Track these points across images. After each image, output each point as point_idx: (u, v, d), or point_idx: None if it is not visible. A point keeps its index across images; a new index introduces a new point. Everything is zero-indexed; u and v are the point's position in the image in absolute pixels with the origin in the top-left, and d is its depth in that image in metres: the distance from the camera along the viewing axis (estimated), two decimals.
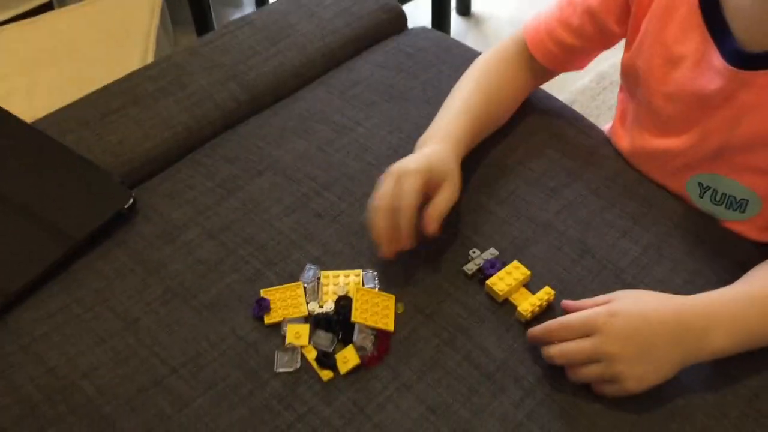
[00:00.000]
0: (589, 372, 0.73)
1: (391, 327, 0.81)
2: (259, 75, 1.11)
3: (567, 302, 0.80)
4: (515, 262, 0.85)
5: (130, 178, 1.01)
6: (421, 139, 0.91)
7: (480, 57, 1.02)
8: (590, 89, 1.92)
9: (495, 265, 0.85)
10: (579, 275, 0.84)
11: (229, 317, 0.84)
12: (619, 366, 0.72)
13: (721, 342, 0.74)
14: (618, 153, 0.98)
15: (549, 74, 1.02)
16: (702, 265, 0.85)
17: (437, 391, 0.76)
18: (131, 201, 0.94)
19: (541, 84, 1.04)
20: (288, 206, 0.94)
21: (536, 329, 0.77)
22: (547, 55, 0.96)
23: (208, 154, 1.03)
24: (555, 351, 0.75)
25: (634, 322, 0.74)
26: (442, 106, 0.96)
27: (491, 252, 0.86)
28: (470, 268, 0.85)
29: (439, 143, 0.88)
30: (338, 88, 1.10)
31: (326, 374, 0.78)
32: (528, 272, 0.84)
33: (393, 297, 0.83)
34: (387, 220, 0.81)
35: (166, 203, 0.97)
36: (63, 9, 1.73)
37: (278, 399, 0.77)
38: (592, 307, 0.76)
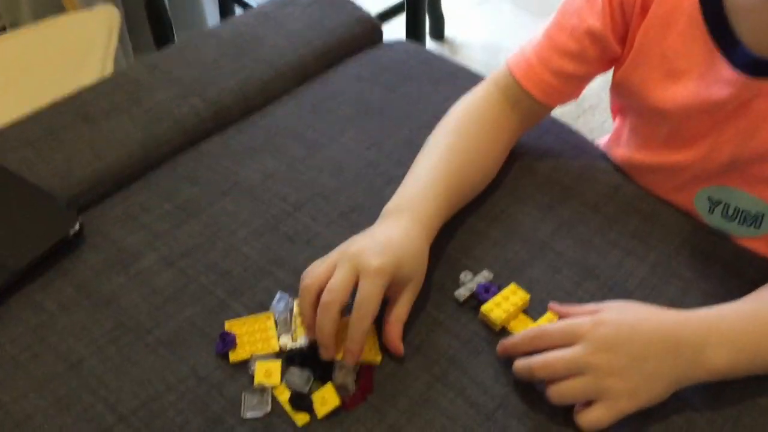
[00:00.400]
0: (573, 387, 0.65)
1: (378, 359, 0.72)
2: (224, 89, 1.02)
3: (554, 304, 0.74)
4: (512, 285, 0.76)
5: (77, 202, 0.90)
6: (387, 208, 0.78)
7: (455, 107, 0.89)
8: (570, 112, 1.87)
9: (490, 290, 0.76)
10: (582, 299, 0.76)
11: (188, 355, 0.73)
12: (606, 380, 0.64)
13: (719, 360, 0.66)
14: (615, 167, 0.91)
15: (539, 113, 0.90)
16: (715, 285, 0.77)
17: None
18: (77, 226, 0.84)
19: (529, 127, 0.91)
20: (256, 229, 0.85)
21: (511, 339, 0.69)
22: (544, 89, 0.85)
23: (166, 175, 0.93)
24: (535, 360, 0.66)
25: (623, 330, 0.66)
26: (412, 167, 0.83)
27: (484, 275, 0.78)
28: (462, 294, 0.76)
29: (408, 222, 0.75)
30: (310, 102, 1.01)
31: (301, 418, 0.67)
32: (527, 296, 0.75)
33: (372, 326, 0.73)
34: (333, 322, 0.68)
35: (117, 228, 0.87)
36: (16, 31, 1.63)
37: None
38: (580, 313, 0.69)
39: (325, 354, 0.69)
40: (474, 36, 2.29)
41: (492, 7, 2.42)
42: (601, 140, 0.98)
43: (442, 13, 2.23)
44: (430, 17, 2.17)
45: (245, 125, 0.99)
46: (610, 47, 0.81)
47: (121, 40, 1.58)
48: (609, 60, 0.83)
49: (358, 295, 0.69)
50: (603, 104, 1.88)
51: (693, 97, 0.76)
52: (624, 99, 0.85)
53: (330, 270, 0.70)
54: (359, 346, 0.68)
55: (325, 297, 0.69)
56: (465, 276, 0.78)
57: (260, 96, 1.03)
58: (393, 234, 0.73)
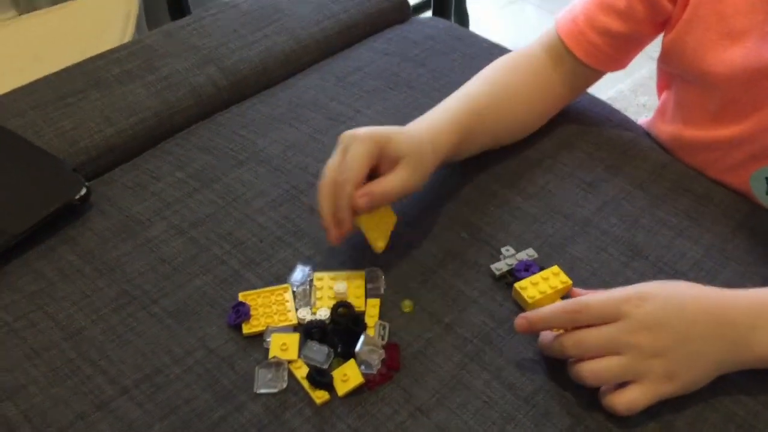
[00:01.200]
0: (609, 367, 0.58)
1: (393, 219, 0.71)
2: (243, 60, 0.96)
3: (579, 291, 0.67)
4: (555, 267, 0.69)
5: (86, 169, 0.85)
6: (409, 124, 0.76)
7: (495, 60, 0.85)
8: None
9: (530, 268, 0.69)
10: (630, 279, 0.69)
11: (198, 326, 0.67)
12: (647, 361, 0.57)
13: None
14: (661, 146, 0.84)
15: (584, 77, 0.84)
16: None
17: (462, 419, 0.59)
18: (84, 191, 0.78)
19: (574, 93, 0.86)
20: (274, 199, 0.79)
21: (539, 311, 0.62)
22: (589, 49, 0.79)
23: (179, 144, 0.88)
24: (570, 337, 0.60)
25: (669, 308, 0.59)
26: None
27: (528, 253, 0.71)
28: (499, 267, 0.69)
29: (419, 129, 0.73)
30: (335, 75, 0.96)
31: (320, 396, 0.61)
32: (569, 281, 0.68)
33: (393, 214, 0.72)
34: (330, 199, 0.67)
35: (126, 196, 0.81)
36: (31, 14, 1.59)
37: (258, 427, 0.59)
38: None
39: (328, 236, 0.68)
40: (497, 37, 2.24)
41: (516, 8, 2.38)
42: (642, 120, 0.91)
43: (466, 10, 2.18)
44: (455, 15, 2.12)
45: (265, 96, 0.94)
46: (660, 5, 0.74)
47: (137, 22, 1.54)
48: (659, 21, 0.77)
49: (344, 162, 0.67)
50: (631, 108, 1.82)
51: (753, 60, 0.69)
52: (674, 67, 0.79)
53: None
54: (343, 212, 0.67)
55: (322, 180, 0.68)
56: (507, 251, 0.71)
57: (281, 68, 0.97)
58: (396, 126, 0.72)
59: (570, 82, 0.83)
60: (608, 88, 1.88)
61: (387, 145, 0.68)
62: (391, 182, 0.68)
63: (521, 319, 0.62)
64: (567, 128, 0.86)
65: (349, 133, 0.69)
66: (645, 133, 0.87)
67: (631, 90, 1.87)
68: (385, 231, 0.70)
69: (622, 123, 0.87)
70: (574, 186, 0.78)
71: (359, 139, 0.67)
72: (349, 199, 0.66)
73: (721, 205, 0.76)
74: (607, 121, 0.87)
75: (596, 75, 0.84)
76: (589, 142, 0.84)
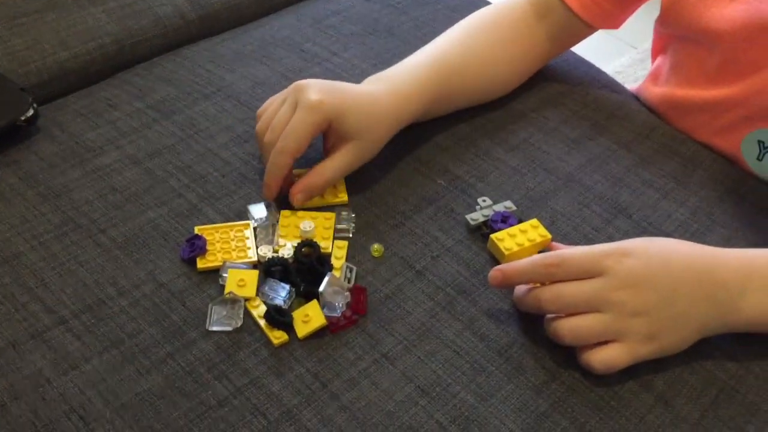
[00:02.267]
0: (589, 325, 0.54)
1: (344, 198, 0.67)
2: None
3: (558, 245, 0.64)
4: (534, 220, 0.65)
5: (36, 93, 0.78)
6: (371, 77, 0.71)
7: (476, 12, 0.80)
8: None
9: (507, 220, 0.65)
10: (613, 237, 0.65)
11: (147, 258, 0.62)
12: (629, 320, 0.54)
13: (760, 307, 0.56)
14: (650, 109, 0.81)
15: (572, 31, 0.78)
16: (765, 237, 0.67)
17: (430, 367, 0.55)
18: (31, 112, 0.72)
19: (560, 48, 0.81)
20: (240, 135, 0.73)
21: (515, 264, 0.57)
22: (586, 2, 0.74)
23: (140, 74, 0.82)
24: (547, 292, 0.56)
25: (653, 264, 0.55)
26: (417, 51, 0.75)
27: (506, 205, 0.67)
28: (475, 217, 0.65)
29: (380, 87, 0.68)
30: (311, 17, 0.90)
31: (278, 336, 0.56)
32: (548, 235, 0.64)
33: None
34: (267, 151, 0.65)
35: (78, 122, 0.75)
36: None
37: (208, 366, 0.54)
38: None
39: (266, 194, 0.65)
40: None
41: None
42: (631, 87, 0.88)
43: None
44: None
45: (236, 33, 0.88)
46: None
47: None
48: None
49: (287, 126, 0.63)
50: None
51: (754, 15, 0.66)
52: (673, 26, 0.75)
53: (279, 107, 0.66)
54: (275, 181, 0.64)
55: (267, 137, 0.65)
56: (483, 201, 0.67)
57: (255, 5, 0.92)
58: (355, 88, 0.67)
59: (555, 37, 0.78)
60: None
61: (338, 120, 0.64)
62: (333, 169, 0.65)
63: (496, 272, 0.58)
64: (553, 86, 0.82)
65: (302, 89, 0.64)
66: (633, 96, 0.83)
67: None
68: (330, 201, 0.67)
69: (609, 84, 0.84)
70: (558, 141, 0.75)
71: (309, 107, 0.62)
72: (284, 169, 0.63)
73: (709, 169, 0.73)
74: (594, 82, 0.83)
75: (586, 32, 0.79)
76: (576, 100, 0.80)
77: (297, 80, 0.76)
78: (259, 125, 0.67)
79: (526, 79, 0.80)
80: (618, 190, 0.70)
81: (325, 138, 0.68)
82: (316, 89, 0.63)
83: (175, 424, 0.51)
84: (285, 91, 0.66)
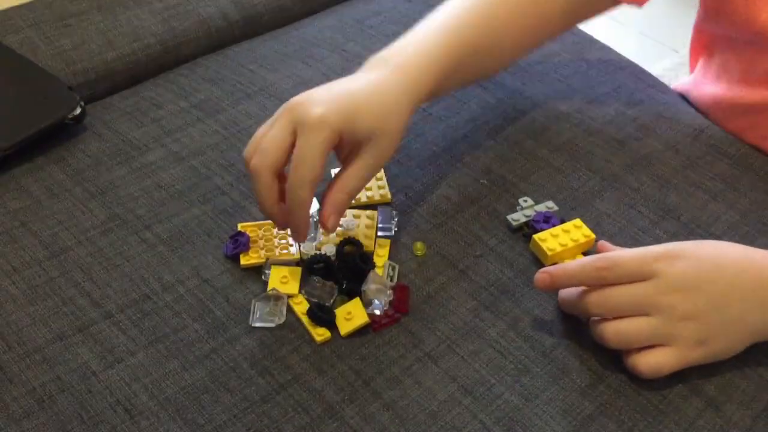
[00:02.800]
0: (637, 328, 0.52)
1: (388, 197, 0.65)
2: None
3: (606, 245, 0.61)
4: (577, 220, 0.64)
5: (83, 92, 0.79)
6: (373, 57, 0.63)
7: None
8: None
9: (550, 220, 0.64)
10: (660, 239, 0.64)
11: (191, 255, 0.62)
12: (678, 324, 0.52)
13: None
14: (698, 110, 0.79)
15: (593, 8, 0.73)
16: None
17: (473, 367, 0.55)
18: (79, 111, 0.73)
19: (568, 28, 0.76)
20: None
21: (562, 266, 0.56)
22: None
23: (184, 74, 0.82)
24: (592, 296, 0.54)
25: (704, 267, 0.54)
26: (419, 23, 0.66)
27: (548, 205, 0.66)
28: (516, 218, 0.64)
29: (386, 71, 0.60)
30: (353, 17, 0.90)
31: (321, 333, 0.56)
32: (592, 235, 0.63)
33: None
34: (271, 187, 0.56)
35: (124, 121, 0.76)
36: None
37: (251, 362, 0.55)
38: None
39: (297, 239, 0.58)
40: None
41: None
42: (676, 86, 0.86)
43: None
44: None
45: (278, 34, 0.89)
46: None
47: None
48: None
49: (295, 152, 0.55)
50: None
51: None
52: (722, 26, 0.73)
53: (268, 130, 0.57)
54: (303, 221, 0.56)
55: (255, 160, 0.55)
56: (524, 201, 0.66)
57: (298, 6, 0.92)
58: (355, 83, 0.59)
59: (573, 10, 0.72)
60: None
61: (349, 128, 0.55)
62: (356, 179, 0.57)
63: (542, 274, 0.56)
64: (597, 86, 0.81)
65: (297, 107, 0.55)
66: (680, 97, 0.82)
67: None
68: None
69: (656, 85, 0.82)
70: (603, 142, 0.73)
71: (313, 126, 0.54)
72: (307, 204, 0.55)
73: (759, 172, 0.71)
74: (639, 82, 0.82)
75: (607, 5, 0.73)
76: (621, 101, 0.79)
77: (337, 79, 0.76)
78: (247, 150, 0.57)
79: (538, 43, 0.74)
80: (665, 191, 0.68)
81: (338, 149, 0.60)
82: (314, 103, 0.55)
83: (219, 419, 0.51)
84: (274, 116, 0.57)
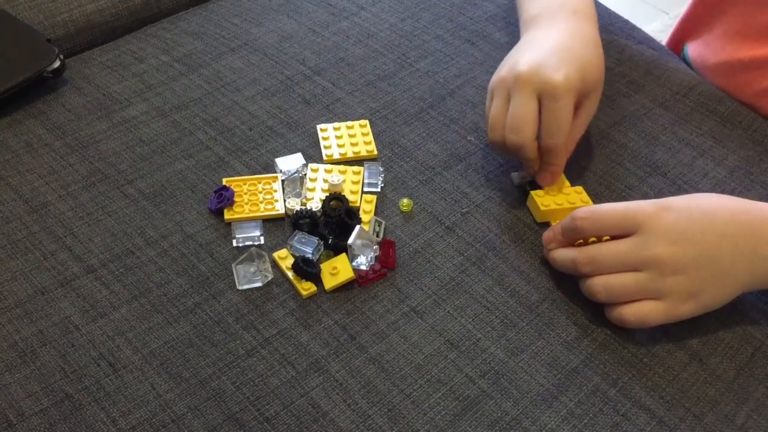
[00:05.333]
0: (625, 283, 0.52)
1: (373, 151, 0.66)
2: None
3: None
4: (579, 187, 0.63)
5: (63, 45, 0.78)
6: (531, 14, 0.66)
7: None
8: None
9: None
10: (646, 194, 0.64)
11: (175, 210, 0.61)
12: (669, 279, 0.52)
13: None
14: (689, 67, 0.79)
15: None
16: None
17: (460, 322, 0.55)
18: (58, 63, 0.71)
19: None
20: (267, 88, 0.72)
21: (555, 225, 0.57)
22: None
23: (166, 28, 0.81)
24: (581, 252, 0.54)
25: (695, 218, 0.53)
26: None
27: None
28: (522, 176, 0.64)
29: (575, 21, 0.63)
30: None
31: (306, 287, 0.55)
32: (590, 202, 0.62)
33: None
34: (536, 154, 0.60)
35: (105, 74, 0.74)
36: None
37: (237, 316, 0.54)
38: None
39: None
40: None
41: None
42: (668, 41, 0.85)
43: None
44: None
45: None
46: None
47: None
48: None
49: (547, 121, 0.58)
50: None
51: None
52: None
53: (505, 104, 0.59)
54: (558, 174, 0.62)
55: (512, 140, 0.59)
56: None
57: None
58: (564, 38, 0.62)
59: None
60: None
61: (584, 85, 0.59)
62: (583, 128, 0.62)
63: (546, 235, 0.58)
64: None
65: (538, 77, 0.57)
66: (671, 53, 0.81)
67: None
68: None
69: (646, 41, 0.81)
70: None
71: (562, 92, 0.57)
72: (563, 160, 0.61)
73: (748, 129, 0.71)
74: (630, 38, 0.81)
75: None
76: (610, 57, 0.78)
77: (324, 34, 0.75)
78: (493, 134, 0.60)
79: None
80: (653, 148, 0.68)
81: None
82: (550, 68, 0.57)
83: (204, 372, 0.51)
84: (498, 88, 0.60)
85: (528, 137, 0.58)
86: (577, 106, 0.60)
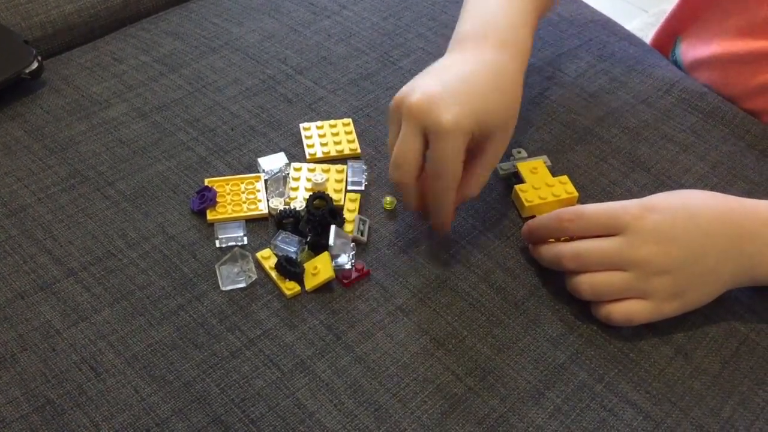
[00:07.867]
0: (609, 281, 0.52)
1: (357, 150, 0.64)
2: None
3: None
4: (564, 177, 0.63)
5: (41, 47, 0.77)
6: (460, 34, 0.61)
7: None
8: None
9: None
10: (631, 191, 0.64)
11: (157, 211, 0.61)
12: (653, 279, 0.52)
13: None
14: (672, 63, 0.79)
15: None
16: None
17: (446, 320, 0.54)
18: (35, 65, 0.70)
19: None
20: (248, 88, 0.72)
21: (538, 219, 0.57)
22: None
23: (145, 28, 0.80)
24: (566, 249, 0.54)
25: (679, 218, 0.53)
26: None
27: (518, 150, 0.66)
28: (506, 167, 0.64)
29: (493, 50, 0.58)
30: None
31: (290, 287, 0.55)
32: (575, 193, 0.62)
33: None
34: (417, 194, 0.56)
35: (84, 76, 0.73)
36: None
37: (220, 318, 0.53)
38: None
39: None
40: None
41: None
42: (653, 40, 0.86)
43: None
44: None
45: None
46: None
47: None
48: None
49: (431, 161, 0.53)
50: None
51: None
52: None
53: (397, 134, 0.54)
54: (447, 219, 0.56)
55: (393, 176, 0.55)
56: (518, 153, 0.65)
57: None
58: (470, 69, 0.57)
59: None
60: None
61: (480, 127, 0.54)
62: (488, 172, 0.57)
63: (525, 228, 0.57)
64: (569, 39, 0.80)
65: (426, 115, 0.52)
66: (653, 50, 0.81)
67: None
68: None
69: (628, 38, 0.81)
70: (574, 95, 0.73)
71: (449, 135, 0.52)
72: (450, 205, 0.55)
73: (730, 124, 0.71)
74: (611, 35, 0.81)
75: None
76: (592, 54, 0.78)
77: (306, 33, 0.74)
78: (397, 171, 0.55)
79: None
80: (636, 144, 0.68)
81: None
82: (441, 106, 0.52)
83: (188, 375, 0.50)
84: (392, 115, 0.55)
85: (408, 176, 0.54)
86: (477, 149, 0.56)
